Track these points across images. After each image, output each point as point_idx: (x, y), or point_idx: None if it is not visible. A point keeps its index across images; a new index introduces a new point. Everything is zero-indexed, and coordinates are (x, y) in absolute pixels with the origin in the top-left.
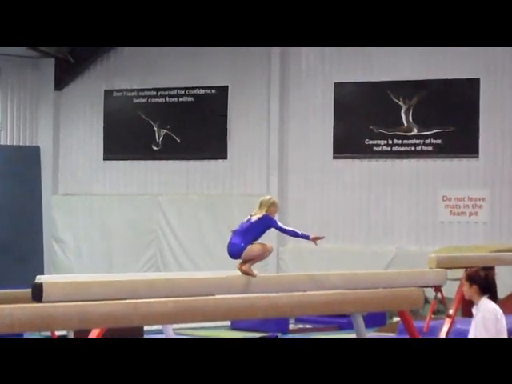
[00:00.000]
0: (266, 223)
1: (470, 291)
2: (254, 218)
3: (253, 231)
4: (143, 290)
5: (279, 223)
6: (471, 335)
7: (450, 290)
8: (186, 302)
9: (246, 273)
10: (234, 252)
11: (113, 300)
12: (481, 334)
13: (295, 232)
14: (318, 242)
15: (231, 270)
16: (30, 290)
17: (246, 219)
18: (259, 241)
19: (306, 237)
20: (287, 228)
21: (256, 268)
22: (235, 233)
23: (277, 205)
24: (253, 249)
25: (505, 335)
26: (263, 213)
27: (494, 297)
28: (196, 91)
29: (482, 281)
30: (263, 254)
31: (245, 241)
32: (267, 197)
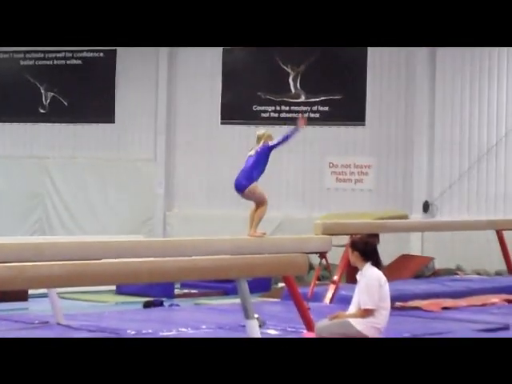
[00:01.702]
0: (264, 151)
1: (353, 257)
2: (253, 153)
3: (257, 166)
4: (29, 253)
5: (272, 142)
6: (354, 301)
7: (336, 257)
8: (72, 266)
9: (256, 236)
10: (240, 187)
11: None
12: (364, 299)
13: (287, 135)
14: (304, 124)
15: (117, 234)
16: None
17: (248, 154)
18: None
19: (295, 130)
20: (280, 139)
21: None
22: (242, 171)
23: (272, 136)
24: (257, 187)
25: (388, 301)
26: (260, 146)
27: (377, 263)
28: (84, 54)
29: (363, 247)
30: (263, 198)
31: (250, 178)
32: (262, 131)
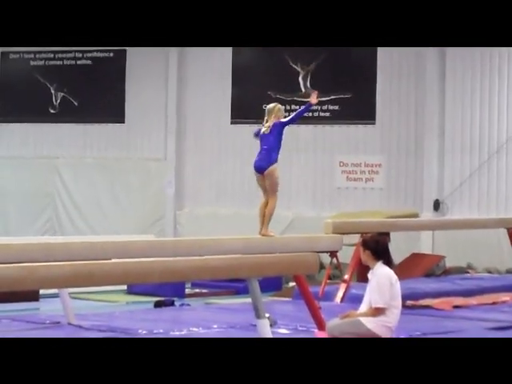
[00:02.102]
0: (277, 129)
1: (364, 256)
2: (267, 130)
3: (274, 146)
4: (40, 253)
5: (285, 119)
6: (365, 300)
7: (346, 256)
8: (83, 266)
9: (266, 235)
10: (261, 168)
11: (9, 263)
12: (375, 298)
13: (300, 111)
14: (316, 99)
15: (127, 234)
16: None
17: (262, 131)
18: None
19: (309, 106)
20: (293, 116)
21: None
22: (261, 152)
23: (282, 109)
24: (276, 169)
25: (399, 300)
26: (272, 120)
27: (388, 262)
28: (94, 54)
29: (374, 246)
30: (277, 185)
31: (270, 159)
32: (272, 105)
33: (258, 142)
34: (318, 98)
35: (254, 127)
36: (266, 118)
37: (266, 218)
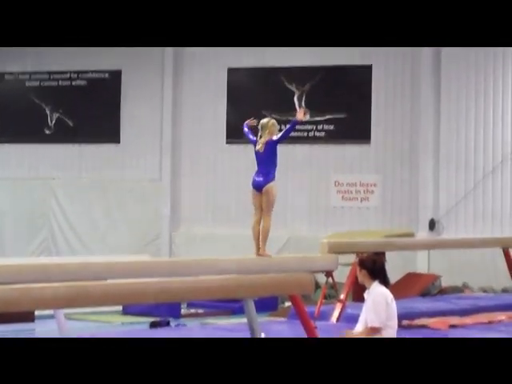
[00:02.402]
0: (270, 147)
1: (360, 276)
2: (261, 148)
3: (270, 164)
4: (35, 274)
5: (276, 137)
6: (361, 319)
7: (342, 275)
8: (78, 287)
9: (263, 255)
10: (259, 185)
11: (4, 284)
12: (371, 317)
13: (289, 128)
14: (303, 116)
15: (122, 254)
16: None
17: (256, 149)
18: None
19: (295, 123)
20: (283, 133)
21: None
22: (259, 171)
23: (276, 124)
24: (274, 186)
25: (395, 320)
26: (266, 137)
27: (384, 281)
28: (89, 75)
29: (371, 265)
30: (273, 202)
31: (269, 176)
32: (265, 120)
33: (251, 162)
34: (305, 114)
35: (250, 147)
36: (259, 133)
37: (262, 237)
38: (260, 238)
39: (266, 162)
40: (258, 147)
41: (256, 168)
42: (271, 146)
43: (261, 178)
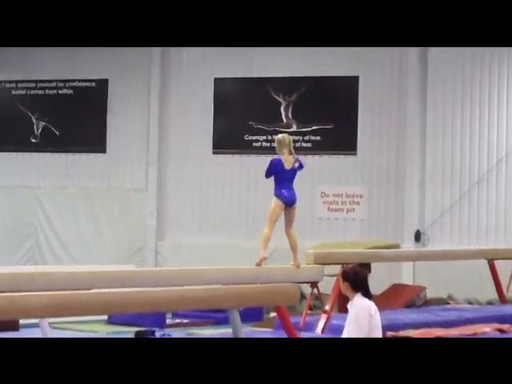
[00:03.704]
0: (299, 167)
1: (343, 287)
2: (290, 165)
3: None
4: (20, 283)
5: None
6: (345, 331)
7: (327, 286)
8: (62, 296)
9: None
10: (295, 201)
11: None
12: (353, 330)
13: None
14: None
15: (108, 264)
16: None
17: (287, 168)
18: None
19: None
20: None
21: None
22: (290, 187)
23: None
24: None
25: (379, 331)
26: (289, 153)
27: (367, 293)
28: (76, 84)
29: (353, 278)
30: None
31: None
32: (285, 136)
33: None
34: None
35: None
36: (278, 149)
37: (296, 248)
38: (294, 250)
39: (293, 179)
40: (287, 165)
41: (276, 184)
42: (300, 166)
43: (294, 195)
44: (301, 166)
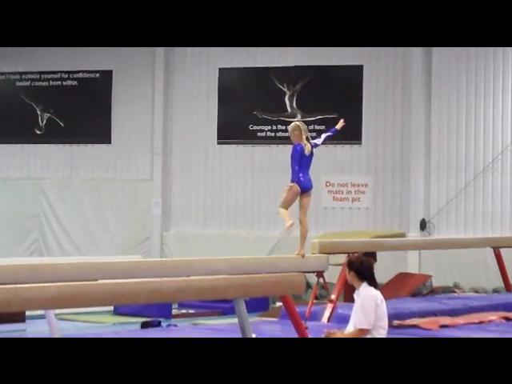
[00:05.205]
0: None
1: (349, 277)
2: (308, 151)
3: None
4: (25, 274)
5: (318, 141)
6: (351, 321)
7: (333, 276)
8: (68, 287)
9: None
10: (312, 187)
11: None
12: (360, 319)
13: (328, 136)
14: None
15: (114, 254)
16: None
17: (305, 153)
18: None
19: (335, 131)
20: (323, 139)
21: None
22: (307, 173)
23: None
24: None
25: (385, 320)
26: (306, 140)
27: (373, 283)
28: (80, 75)
29: (359, 267)
30: None
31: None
32: (299, 123)
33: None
34: (343, 125)
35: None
36: (295, 135)
37: (305, 238)
38: (303, 239)
39: (310, 165)
40: (307, 151)
41: (296, 170)
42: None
43: (311, 180)
44: (313, 149)
